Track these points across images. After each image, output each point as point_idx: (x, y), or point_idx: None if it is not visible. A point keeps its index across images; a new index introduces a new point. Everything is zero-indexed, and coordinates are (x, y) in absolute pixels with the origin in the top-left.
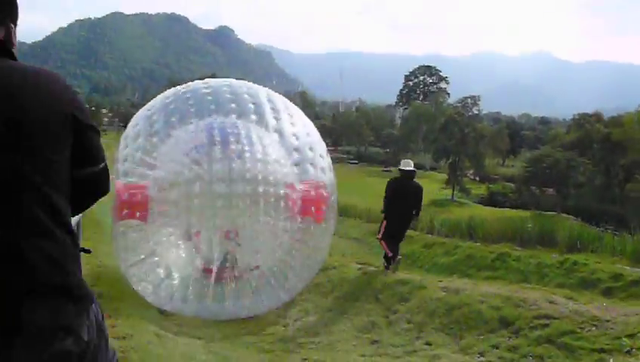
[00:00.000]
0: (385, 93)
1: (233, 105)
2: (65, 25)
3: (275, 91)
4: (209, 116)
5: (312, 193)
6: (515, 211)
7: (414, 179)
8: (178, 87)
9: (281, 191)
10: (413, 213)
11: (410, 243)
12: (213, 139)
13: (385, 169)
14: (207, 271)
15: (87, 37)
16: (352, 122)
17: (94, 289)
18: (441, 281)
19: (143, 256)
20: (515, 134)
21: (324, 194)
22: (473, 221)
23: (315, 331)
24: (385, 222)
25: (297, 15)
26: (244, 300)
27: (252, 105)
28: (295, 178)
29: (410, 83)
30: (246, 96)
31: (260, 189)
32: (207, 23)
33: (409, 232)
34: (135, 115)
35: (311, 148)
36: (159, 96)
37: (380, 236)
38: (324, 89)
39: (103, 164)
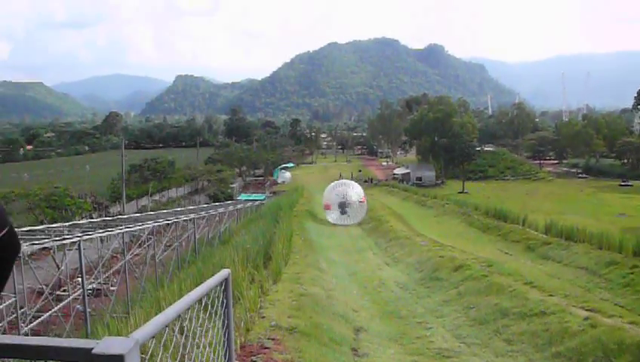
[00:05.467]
0: (616, 97)
1: (344, 185)
2: (288, 60)
3: (490, 104)
4: (339, 188)
5: (362, 199)
6: None
7: None
8: (332, 184)
9: (358, 199)
10: None
11: None
12: (340, 193)
13: (623, 183)
14: (342, 214)
15: (306, 69)
16: (579, 132)
17: (292, 321)
18: None
19: (329, 213)
20: None
21: (364, 199)
22: None
23: None
24: None
25: (511, 24)
26: (350, 220)
27: (348, 184)
28: (358, 197)
29: None
30: (347, 182)
31: (349, 199)
32: (416, 43)
33: None
34: (327, 188)
35: (358, 193)
36: (329, 187)
37: None
38: (544, 98)
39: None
